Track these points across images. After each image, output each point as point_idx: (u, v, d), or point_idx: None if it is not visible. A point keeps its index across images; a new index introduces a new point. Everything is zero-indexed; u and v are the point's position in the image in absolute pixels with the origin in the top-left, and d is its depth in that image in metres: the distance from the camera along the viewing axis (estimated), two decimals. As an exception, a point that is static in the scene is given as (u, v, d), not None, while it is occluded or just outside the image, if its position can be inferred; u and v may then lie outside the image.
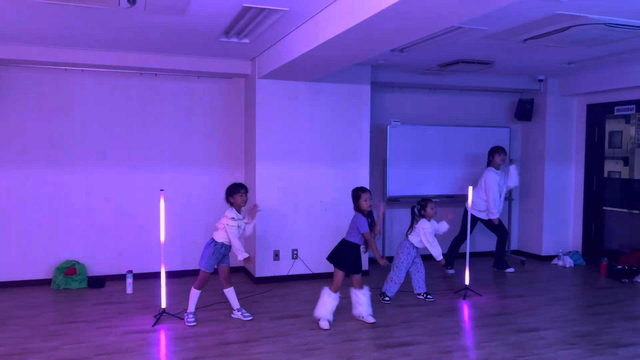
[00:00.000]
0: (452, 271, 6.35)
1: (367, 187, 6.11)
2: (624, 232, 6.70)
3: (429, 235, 5.07)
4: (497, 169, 6.29)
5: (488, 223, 6.41)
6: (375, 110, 6.62)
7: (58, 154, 5.66)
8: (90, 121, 5.74)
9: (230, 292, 4.58)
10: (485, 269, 6.54)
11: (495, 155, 6.26)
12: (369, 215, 4.45)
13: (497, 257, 6.50)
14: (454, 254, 6.41)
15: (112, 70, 5.71)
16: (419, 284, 5.23)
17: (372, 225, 4.43)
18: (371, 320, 4.46)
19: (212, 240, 4.47)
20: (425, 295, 5.21)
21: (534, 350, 3.89)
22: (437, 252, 5.07)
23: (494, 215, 6.27)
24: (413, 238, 5.13)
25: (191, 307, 4.50)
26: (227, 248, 4.49)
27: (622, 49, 5.10)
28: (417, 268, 5.23)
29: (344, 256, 4.42)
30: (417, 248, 5.16)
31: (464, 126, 6.98)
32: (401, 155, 6.61)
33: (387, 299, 5.11)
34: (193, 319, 4.44)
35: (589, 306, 5.09)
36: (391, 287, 5.12)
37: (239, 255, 4.37)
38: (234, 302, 4.60)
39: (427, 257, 6.96)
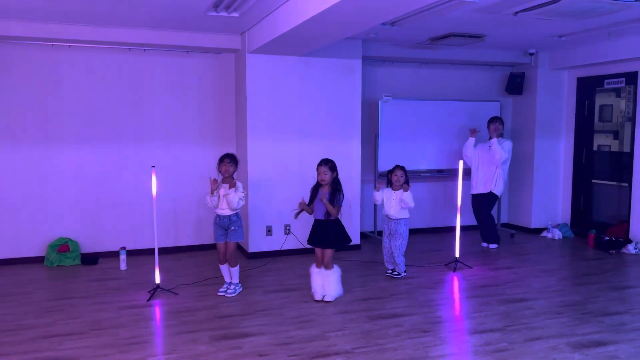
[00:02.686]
0: (487, 245, 6.43)
1: (359, 162, 6.16)
2: (612, 205, 6.80)
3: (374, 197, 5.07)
4: (491, 137, 6.21)
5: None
6: (366, 84, 6.60)
7: (48, 131, 5.61)
8: (80, 98, 5.68)
9: (224, 268, 4.64)
10: (476, 242, 6.62)
11: (490, 125, 6.25)
12: (333, 189, 4.39)
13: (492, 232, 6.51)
14: (481, 229, 6.51)
15: (101, 46, 5.63)
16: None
17: (332, 198, 4.36)
18: (328, 298, 4.40)
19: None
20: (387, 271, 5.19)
21: (522, 320, 3.98)
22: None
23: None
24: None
25: (225, 279, 4.66)
26: (221, 219, 4.52)
27: (612, 22, 5.10)
28: (393, 246, 5.06)
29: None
30: (388, 219, 5.07)
31: (455, 100, 6.98)
32: (393, 129, 6.61)
33: (387, 272, 5.15)
34: (223, 289, 4.61)
35: (577, 277, 5.20)
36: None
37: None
38: (226, 277, 4.66)
39: (421, 230, 7.07)
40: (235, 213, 4.55)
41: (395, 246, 5.04)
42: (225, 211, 4.50)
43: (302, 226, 5.97)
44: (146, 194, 5.70)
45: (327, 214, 4.38)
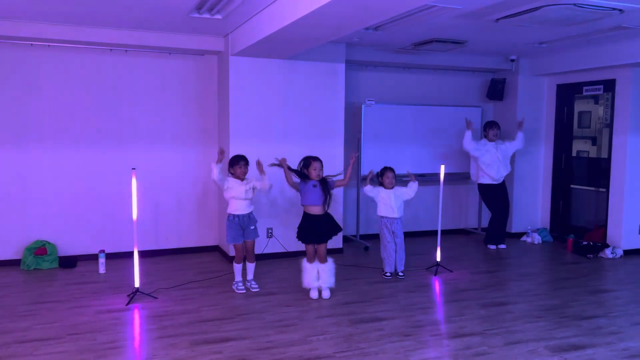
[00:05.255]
0: (502, 246, 6.61)
1: (342, 166, 6.16)
2: (590, 210, 6.91)
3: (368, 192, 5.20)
4: (491, 141, 6.53)
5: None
6: (349, 88, 6.62)
7: (26, 132, 5.51)
8: (59, 98, 5.59)
9: (239, 267, 4.73)
10: (457, 246, 6.67)
11: (489, 131, 6.53)
12: (324, 185, 4.55)
13: (490, 232, 6.65)
14: (494, 231, 6.61)
15: (81, 46, 5.55)
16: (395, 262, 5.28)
17: (324, 186, 4.55)
18: (326, 295, 4.55)
19: (228, 214, 4.67)
20: (392, 273, 5.26)
21: (502, 324, 4.02)
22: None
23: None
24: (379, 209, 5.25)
25: (237, 277, 4.75)
26: (240, 219, 4.60)
27: (591, 30, 5.19)
28: (398, 245, 5.22)
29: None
30: (390, 219, 5.17)
31: (437, 105, 7.04)
32: (375, 134, 6.64)
33: (387, 274, 5.23)
34: (242, 286, 4.71)
35: (555, 281, 5.26)
36: (384, 264, 5.24)
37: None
38: (238, 275, 4.76)
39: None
40: (252, 211, 4.70)
41: (401, 244, 5.23)
42: (245, 209, 4.63)
43: (284, 230, 5.96)
44: (126, 196, 5.63)
45: (325, 203, 4.55)
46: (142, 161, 5.86)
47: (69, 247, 5.73)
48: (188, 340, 3.65)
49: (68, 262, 5.55)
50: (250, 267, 4.80)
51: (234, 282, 4.77)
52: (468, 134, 6.44)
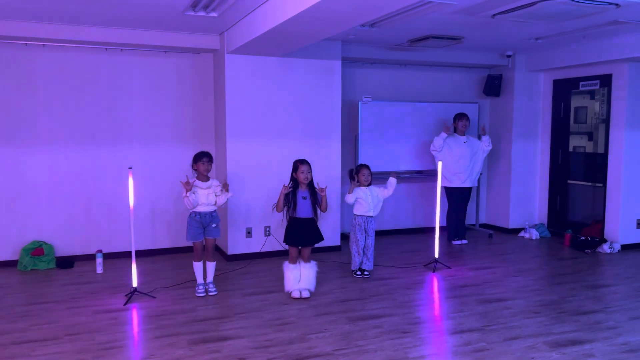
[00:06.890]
0: (461, 242, 6.61)
1: (339, 163, 6.16)
2: (587, 205, 6.92)
3: (348, 198, 5.10)
4: (461, 134, 6.51)
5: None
6: (346, 86, 6.60)
7: (22, 132, 5.49)
8: (54, 98, 5.57)
9: (199, 267, 4.64)
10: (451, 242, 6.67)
11: (458, 122, 6.50)
12: (313, 197, 4.57)
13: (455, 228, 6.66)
14: (452, 226, 6.62)
15: (76, 46, 5.52)
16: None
17: (313, 197, 4.59)
18: (306, 294, 4.51)
19: (190, 212, 4.62)
20: (356, 271, 5.19)
21: (500, 320, 4.02)
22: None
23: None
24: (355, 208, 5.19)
25: (198, 279, 4.65)
26: (202, 216, 4.54)
27: (587, 25, 5.18)
28: (369, 244, 5.15)
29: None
30: (365, 217, 5.10)
31: (434, 102, 7.03)
32: (372, 131, 6.63)
33: (357, 273, 5.19)
34: (202, 290, 4.62)
35: (553, 276, 5.27)
36: (353, 261, 5.21)
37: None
38: (199, 277, 4.65)
39: (400, 231, 7.10)
40: (215, 210, 4.63)
41: (372, 243, 5.15)
42: (208, 208, 4.56)
43: (281, 228, 5.94)
44: (123, 195, 5.60)
45: (313, 212, 4.56)
46: (139, 160, 5.84)
47: (66, 247, 5.72)
48: (186, 339, 3.65)
49: (65, 263, 5.53)
50: (210, 266, 4.66)
51: (196, 285, 4.65)
52: (442, 136, 6.37)
